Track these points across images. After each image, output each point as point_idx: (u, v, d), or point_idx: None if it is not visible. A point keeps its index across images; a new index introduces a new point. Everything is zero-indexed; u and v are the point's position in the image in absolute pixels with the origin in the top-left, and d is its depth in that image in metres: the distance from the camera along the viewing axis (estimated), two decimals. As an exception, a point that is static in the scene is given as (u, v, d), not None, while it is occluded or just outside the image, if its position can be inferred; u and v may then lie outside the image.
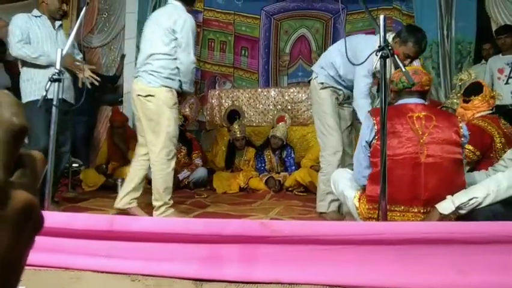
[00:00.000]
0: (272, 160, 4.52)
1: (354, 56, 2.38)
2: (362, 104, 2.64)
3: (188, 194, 4.07)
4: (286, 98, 5.30)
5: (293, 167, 4.49)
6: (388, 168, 1.73)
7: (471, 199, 1.78)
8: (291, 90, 5.35)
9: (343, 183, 2.21)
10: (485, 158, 2.62)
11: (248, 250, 1.59)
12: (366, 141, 2.02)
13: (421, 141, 1.91)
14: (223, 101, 5.43)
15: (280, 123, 4.58)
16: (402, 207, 1.89)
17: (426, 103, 2.05)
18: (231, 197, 4.00)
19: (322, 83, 2.92)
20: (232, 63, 6.25)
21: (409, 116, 1.95)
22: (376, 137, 1.97)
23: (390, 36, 2.89)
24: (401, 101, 2.05)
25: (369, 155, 2.01)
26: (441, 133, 1.90)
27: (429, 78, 2.09)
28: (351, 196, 2.10)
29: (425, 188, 1.87)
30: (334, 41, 6.10)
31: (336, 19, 6.10)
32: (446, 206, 1.81)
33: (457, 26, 5.05)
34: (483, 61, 4.61)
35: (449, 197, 1.84)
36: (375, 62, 1.78)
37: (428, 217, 1.84)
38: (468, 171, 2.44)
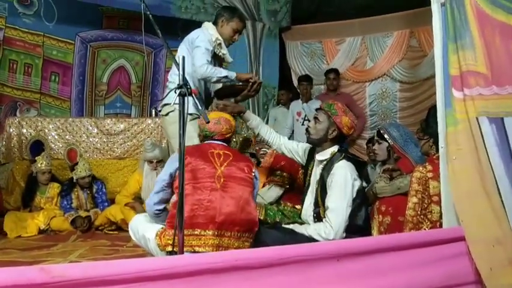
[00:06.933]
0: (80, 197, 4.10)
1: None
2: None
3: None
4: (102, 129, 4.98)
5: (106, 203, 4.16)
6: (187, 193, 1.95)
7: None
8: (107, 122, 5.06)
9: (143, 227, 2.23)
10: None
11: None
12: (171, 173, 2.17)
13: (218, 171, 2.15)
14: (25, 130, 4.75)
15: (79, 162, 4.19)
16: (199, 231, 2.05)
17: (226, 145, 2.32)
18: (27, 241, 3.47)
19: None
20: (39, 89, 5.59)
21: (210, 152, 2.22)
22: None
23: None
24: (206, 141, 2.33)
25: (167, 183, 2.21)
26: (236, 168, 2.20)
27: (231, 125, 2.34)
28: (153, 237, 2.12)
29: (219, 213, 2.07)
30: (155, 74, 6.13)
31: (156, 54, 6.15)
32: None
33: (264, 73, 5.76)
34: (280, 105, 5.30)
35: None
36: (174, 98, 1.80)
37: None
38: None
